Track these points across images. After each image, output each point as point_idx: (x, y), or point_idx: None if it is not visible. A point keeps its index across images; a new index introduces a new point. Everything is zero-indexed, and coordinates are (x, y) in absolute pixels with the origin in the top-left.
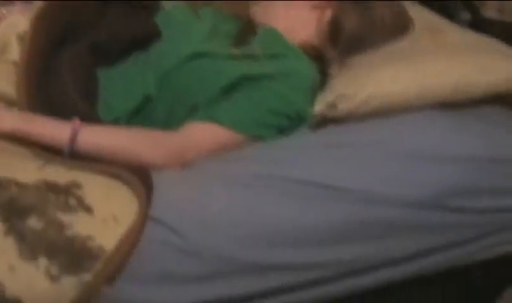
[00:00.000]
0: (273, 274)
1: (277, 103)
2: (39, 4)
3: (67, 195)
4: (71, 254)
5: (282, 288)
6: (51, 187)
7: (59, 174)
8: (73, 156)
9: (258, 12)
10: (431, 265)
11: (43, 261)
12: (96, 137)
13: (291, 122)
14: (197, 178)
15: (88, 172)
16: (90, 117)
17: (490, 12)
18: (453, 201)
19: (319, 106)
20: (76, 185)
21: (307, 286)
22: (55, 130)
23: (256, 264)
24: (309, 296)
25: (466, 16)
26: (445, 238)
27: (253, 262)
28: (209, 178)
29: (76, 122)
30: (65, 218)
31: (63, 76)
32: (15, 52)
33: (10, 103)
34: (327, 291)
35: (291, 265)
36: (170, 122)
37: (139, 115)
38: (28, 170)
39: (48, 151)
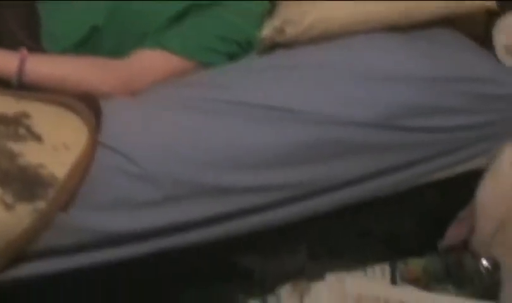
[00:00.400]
0: (230, 197)
1: (227, 29)
2: None
3: (16, 125)
4: (24, 182)
5: (241, 211)
6: (0, 119)
7: (8, 105)
8: (22, 86)
9: None
10: (385, 186)
11: None
12: (43, 66)
13: (241, 48)
14: (147, 104)
15: (37, 101)
16: (32, 48)
17: None
18: (403, 120)
19: (267, 31)
20: (25, 115)
21: (264, 209)
22: (2, 60)
23: (212, 187)
24: (266, 218)
25: None
26: (398, 158)
27: (208, 185)
28: (159, 104)
29: (24, 51)
30: (16, 147)
31: (1, 8)
32: None
33: None
34: (282, 214)
35: (247, 188)
36: (118, 53)
37: (86, 45)
38: None
39: None
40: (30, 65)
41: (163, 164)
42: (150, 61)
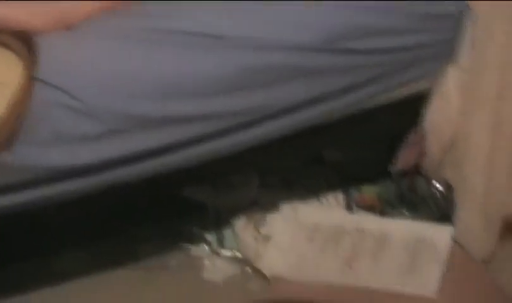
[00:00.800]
0: (172, 127)
1: None
2: None
3: None
4: None
5: (185, 142)
6: None
7: None
8: None
9: None
10: (331, 110)
11: None
12: None
13: None
14: (84, 37)
15: None
16: None
17: None
18: (341, 43)
19: None
20: None
21: (208, 138)
22: None
23: (151, 118)
24: (212, 148)
25: None
26: (341, 81)
27: (147, 116)
28: (96, 36)
29: None
30: None
31: None
32: None
33: None
34: (228, 143)
35: (184, 117)
36: None
37: None
38: None
39: None
40: None
41: (102, 97)
42: None
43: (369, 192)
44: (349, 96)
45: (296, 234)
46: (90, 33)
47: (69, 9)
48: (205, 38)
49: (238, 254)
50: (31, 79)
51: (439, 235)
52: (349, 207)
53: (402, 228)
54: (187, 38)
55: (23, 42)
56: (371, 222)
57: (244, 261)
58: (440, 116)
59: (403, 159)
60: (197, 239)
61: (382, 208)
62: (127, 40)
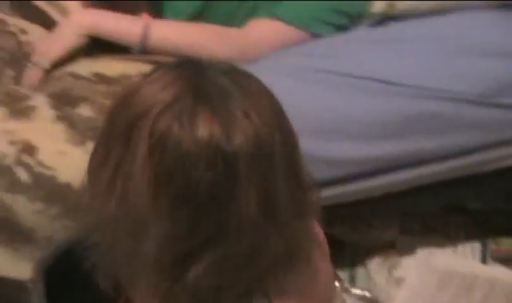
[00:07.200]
0: (332, 166)
1: (340, 2)
2: None
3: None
4: None
5: (336, 180)
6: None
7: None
8: (143, 51)
9: None
10: (481, 162)
11: (90, 145)
12: (166, 31)
13: (351, 20)
14: (259, 72)
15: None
16: (154, 16)
17: None
18: (497, 97)
19: (380, 6)
20: (126, 77)
21: (355, 178)
22: (127, 24)
23: (313, 156)
24: (359, 188)
25: None
26: (493, 135)
27: (308, 153)
28: (270, 72)
29: (147, 16)
30: None
31: None
32: None
33: None
34: (370, 184)
35: (349, 158)
36: (231, 24)
37: (202, 16)
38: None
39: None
40: (153, 30)
41: None
42: (264, 30)
43: (507, 244)
44: (500, 150)
45: (428, 280)
46: (265, 68)
47: (253, 43)
48: (376, 83)
49: (368, 294)
50: None
51: None
52: (484, 259)
53: None
54: (357, 81)
55: None
56: (504, 275)
57: (374, 302)
58: None
59: None
60: None
61: None
62: (299, 79)
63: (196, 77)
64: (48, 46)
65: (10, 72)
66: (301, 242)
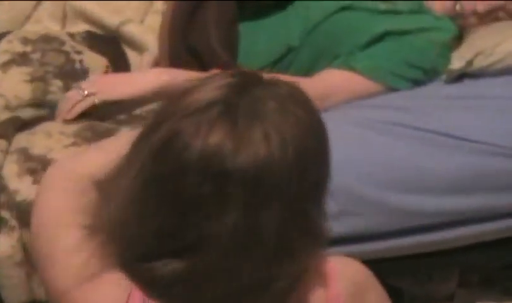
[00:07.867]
0: (402, 217)
1: (415, 56)
2: None
3: None
4: None
5: (403, 231)
6: None
7: None
8: None
9: None
10: None
11: None
12: None
13: (426, 75)
14: (332, 122)
15: None
16: (229, 64)
17: None
18: None
19: (458, 63)
20: None
21: (425, 231)
22: None
23: (384, 204)
24: (425, 241)
25: None
26: None
27: (381, 203)
28: (344, 122)
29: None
30: None
31: (208, 28)
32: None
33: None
34: (440, 238)
35: (421, 210)
36: (310, 72)
37: (282, 64)
38: None
39: None
40: None
41: (342, 178)
42: (340, 81)
43: None
44: None
45: None
46: (337, 119)
47: (324, 93)
48: (448, 139)
49: None
50: None
51: None
52: None
53: None
54: (431, 136)
55: None
56: None
57: None
58: None
59: None
60: None
61: None
62: (373, 130)
63: (240, 91)
64: (114, 84)
65: (58, 83)
66: (279, 277)
